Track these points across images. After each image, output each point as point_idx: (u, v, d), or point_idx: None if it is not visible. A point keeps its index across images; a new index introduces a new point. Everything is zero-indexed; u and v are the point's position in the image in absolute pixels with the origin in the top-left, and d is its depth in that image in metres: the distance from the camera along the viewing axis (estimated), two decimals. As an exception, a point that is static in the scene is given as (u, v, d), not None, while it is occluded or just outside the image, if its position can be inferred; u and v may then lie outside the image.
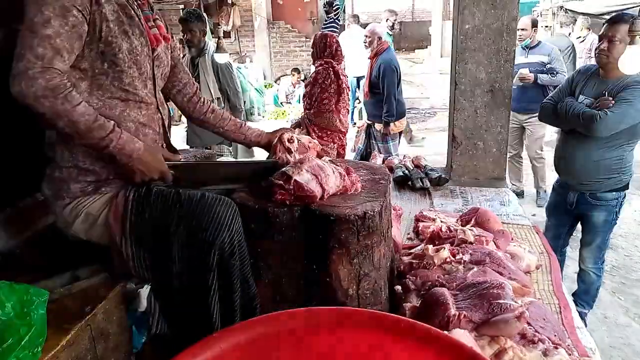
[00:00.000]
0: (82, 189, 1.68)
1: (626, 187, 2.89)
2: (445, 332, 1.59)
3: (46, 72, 1.44)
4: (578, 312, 3.02)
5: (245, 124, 2.16)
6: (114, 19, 1.59)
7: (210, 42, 4.75)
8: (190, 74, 2.08)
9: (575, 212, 3.06)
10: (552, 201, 3.26)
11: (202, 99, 2.08)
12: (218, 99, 4.49)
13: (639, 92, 2.61)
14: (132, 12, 1.66)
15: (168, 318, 1.76)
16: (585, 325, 3.10)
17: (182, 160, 1.93)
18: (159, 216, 1.66)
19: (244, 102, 5.77)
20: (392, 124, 4.95)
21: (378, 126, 5.06)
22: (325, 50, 4.08)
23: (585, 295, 3.18)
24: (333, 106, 4.10)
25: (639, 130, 2.74)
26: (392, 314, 0.97)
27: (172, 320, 1.77)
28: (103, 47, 1.58)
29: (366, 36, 5.04)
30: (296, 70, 10.89)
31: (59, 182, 1.68)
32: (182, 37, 4.64)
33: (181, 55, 2.02)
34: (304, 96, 4.32)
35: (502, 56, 3.20)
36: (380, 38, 4.98)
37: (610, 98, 2.68)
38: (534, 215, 4.98)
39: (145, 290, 1.70)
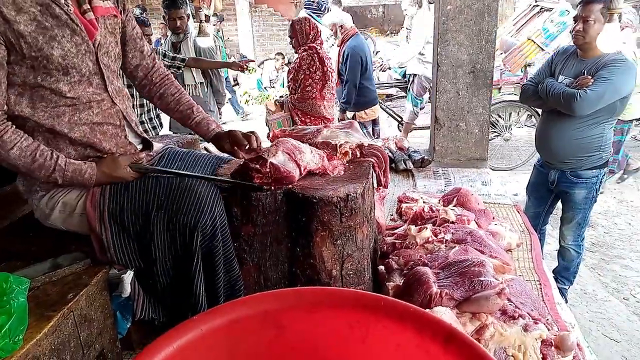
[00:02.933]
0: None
1: (606, 164, 2.94)
2: (427, 309, 1.62)
3: None
4: (558, 288, 3.09)
5: (192, 119, 1.92)
6: (34, 28, 1.43)
7: (192, 26, 4.67)
8: (144, 52, 1.87)
9: (555, 190, 3.11)
10: (533, 180, 3.30)
11: (153, 81, 1.90)
12: (201, 83, 4.41)
13: (617, 70, 2.65)
14: (58, 9, 1.47)
15: (153, 302, 1.76)
16: (566, 301, 3.18)
17: (157, 152, 1.88)
18: (137, 202, 1.65)
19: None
20: (363, 112, 4.91)
21: (349, 114, 5.02)
22: (310, 34, 4.03)
23: (565, 272, 3.25)
24: (317, 93, 4.06)
25: (618, 108, 2.78)
26: (372, 293, 0.98)
27: (158, 305, 1.77)
28: (30, 62, 1.46)
29: (330, 29, 5.00)
30: (280, 54, 10.76)
31: (31, 177, 1.65)
32: (166, 23, 4.51)
33: (137, 32, 1.83)
34: (288, 80, 4.29)
35: (484, 37, 3.21)
36: (342, 27, 4.91)
37: (590, 77, 2.71)
38: (516, 194, 5.04)
39: (128, 276, 1.69)
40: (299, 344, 0.93)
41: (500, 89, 6.42)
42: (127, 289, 1.70)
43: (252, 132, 1.82)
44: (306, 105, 4.11)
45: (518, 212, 2.76)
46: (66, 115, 1.58)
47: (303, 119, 4.18)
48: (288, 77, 4.26)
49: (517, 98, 5.90)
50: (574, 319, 1.94)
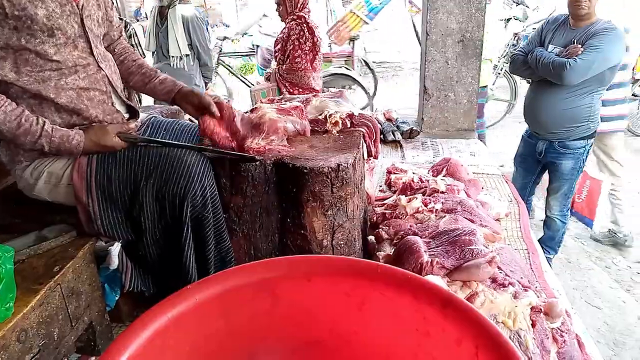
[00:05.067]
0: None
1: (593, 134, 2.95)
2: (419, 278, 1.63)
3: None
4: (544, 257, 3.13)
5: (156, 78, 1.87)
6: None
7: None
8: (113, 22, 1.83)
9: (543, 160, 3.12)
10: (521, 151, 3.31)
11: (115, 52, 1.85)
12: (187, 55, 4.20)
13: (607, 39, 2.64)
14: None
15: (142, 274, 1.74)
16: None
17: (142, 122, 1.83)
18: (125, 172, 1.61)
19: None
20: None
21: None
22: (299, 3, 3.88)
23: (551, 242, 3.29)
24: (307, 64, 3.95)
25: (607, 77, 2.77)
26: (368, 260, 0.96)
27: (147, 276, 1.75)
28: (13, 22, 1.41)
29: None
30: (265, 16, 10.40)
31: (14, 147, 1.60)
32: None
33: (108, 1, 1.78)
34: (275, 51, 4.17)
35: (474, 5, 3.16)
36: None
37: (579, 46, 2.69)
38: (502, 166, 5.07)
39: (115, 248, 1.66)
40: (295, 313, 0.92)
41: (330, 61, 6.45)
42: (115, 261, 1.68)
43: (219, 100, 1.80)
44: (295, 76, 4.00)
45: (506, 182, 2.77)
46: (52, 80, 1.53)
47: (291, 90, 4.07)
48: (275, 47, 4.15)
49: (347, 72, 6.04)
50: (560, 286, 1.97)
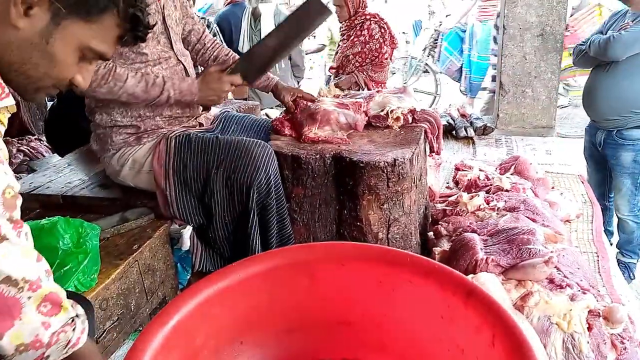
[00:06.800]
0: (125, 140, 1.80)
1: None
2: (471, 275, 1.63)
3: None
4: (625, 262, 2.95)
5: None
6: None
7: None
8: (194, 18, 2.03)
9: (603, 153, 2.94)
10: (586, 144, 3.12)
11: (206, 46, 2.06)
12: None
13: None
14: None
15: (211, 255, 1.89)
16: (633, 276, 3.03)
17: (215, 116, 2.00)
18: (199, 161, 1.76)
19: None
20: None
21: None
22: (361, 2, 3.84)
23: (628, 245, 3.06)
24: (390, 59, 3.97)
25: None
26: (400, 250, 1.02)
27: (215, 257, 1.90)
28: None
29: None
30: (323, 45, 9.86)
31: (103, 136, 1.83)
32: None
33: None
34: (354, 54, 4.08)
35: (554, -3, 3.03)
36: None
37: (631, 22, 2.55)
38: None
39: (187, 231, 1.82)
40: (330, 294, 0.99)
41: None
42: (187, 243, 1.84)
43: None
44: (381, 73, 3.98)
45: (582, 182, 2.65)
46: (140, 71, 1.72)
47: (377, 88, 4.04)
48: (351, 51, 4.03)
49: None
50: (630, 292, 1.87)
